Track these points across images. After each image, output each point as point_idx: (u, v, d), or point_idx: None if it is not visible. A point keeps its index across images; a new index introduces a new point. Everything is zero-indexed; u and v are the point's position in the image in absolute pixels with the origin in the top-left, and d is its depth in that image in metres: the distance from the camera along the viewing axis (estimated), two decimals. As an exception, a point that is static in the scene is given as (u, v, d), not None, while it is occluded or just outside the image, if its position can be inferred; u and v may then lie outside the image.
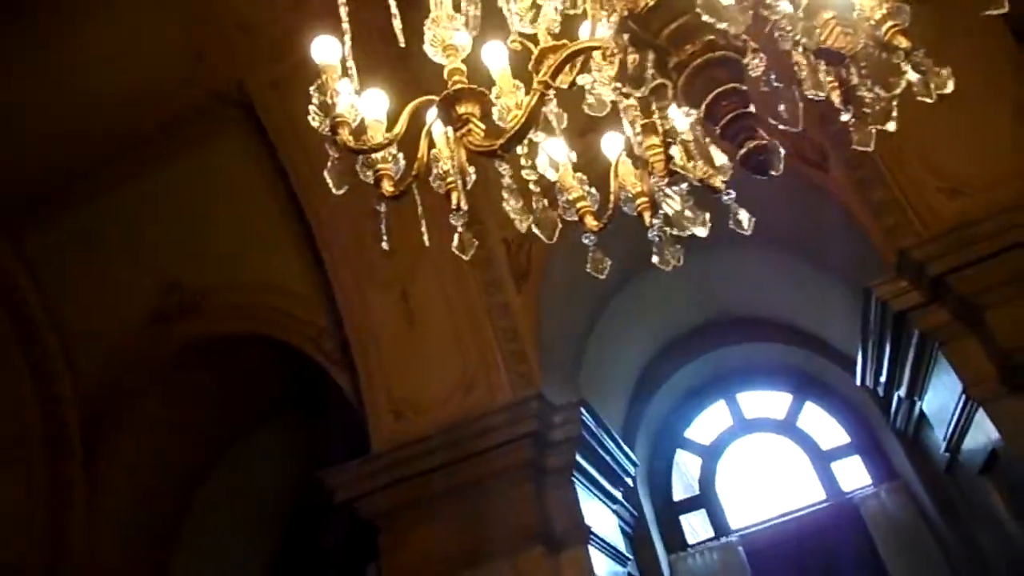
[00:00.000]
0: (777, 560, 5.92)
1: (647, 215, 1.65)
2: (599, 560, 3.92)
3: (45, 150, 5.05)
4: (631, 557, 4.60)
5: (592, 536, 3.90)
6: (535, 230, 1.66)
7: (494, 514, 3.85)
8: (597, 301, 5.08)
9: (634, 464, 4.80)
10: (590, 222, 1.62)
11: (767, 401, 6.72)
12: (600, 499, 4.36)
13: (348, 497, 4.08)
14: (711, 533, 6.34)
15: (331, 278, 4.62)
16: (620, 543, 4.45)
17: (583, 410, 4.01)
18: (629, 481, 4.80)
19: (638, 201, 1.67)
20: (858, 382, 4.69)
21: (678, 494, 6.60)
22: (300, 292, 4.92)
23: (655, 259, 1.71)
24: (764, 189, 1.64)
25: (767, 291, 5.71)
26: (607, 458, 4.41)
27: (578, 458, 4.04)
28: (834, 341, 5.56)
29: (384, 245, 1.62)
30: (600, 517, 4.24)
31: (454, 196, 1.55)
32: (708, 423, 6.76)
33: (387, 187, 1.55)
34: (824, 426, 6.39)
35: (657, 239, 1.64)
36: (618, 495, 4.63)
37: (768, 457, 6.51)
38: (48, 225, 5.33)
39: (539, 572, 3.68)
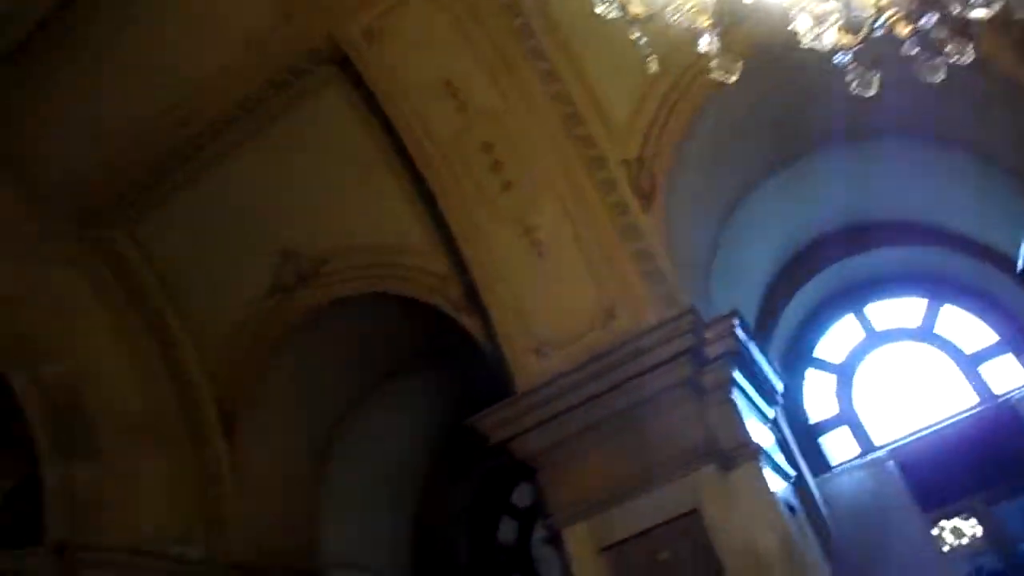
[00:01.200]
0: (931, 471, 5.64)
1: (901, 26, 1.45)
2: (771, 478, 3.75)
3: (147, 136, 5.07)
4: (794, 474, 4.40)
5: (762, 452, 3.72)
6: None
7: (657, 437, 3.72)
8: (721, 214, 4.86)
9: (782, 381, 4.58)
10: (845, 38, 1.43)
11: (898, 310, 6.38)
12: (758, 417, 4.17)
13: (502, 439, 3.99)
14: (854, 452, 6.09)
15: (449, 223, 4.50)
16: (783, 462, 4.26)
17: (736, 322, 3.81)
18: (779, 400, 4.59)
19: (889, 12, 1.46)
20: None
21: (814, 416, 6.36)
22: (418, 243, 4.84)
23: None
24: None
25: (908, 190, 5.39)
26: (760, 375, 4.21)
27: (735, 374, 3.85)
28: (984, 237, 5.23)
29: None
30: (762, 435, 4.05)
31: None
32: (837, 339, 6.48)
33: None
34: (966, 328, 6.03)
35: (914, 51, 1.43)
36: (771, 415, 4.43)
37: (907, 367, 6.17)
38: (160, 211, 5.38)
39: (714, 490, 3.54)
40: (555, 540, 3.97)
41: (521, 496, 7.63)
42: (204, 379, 5.50)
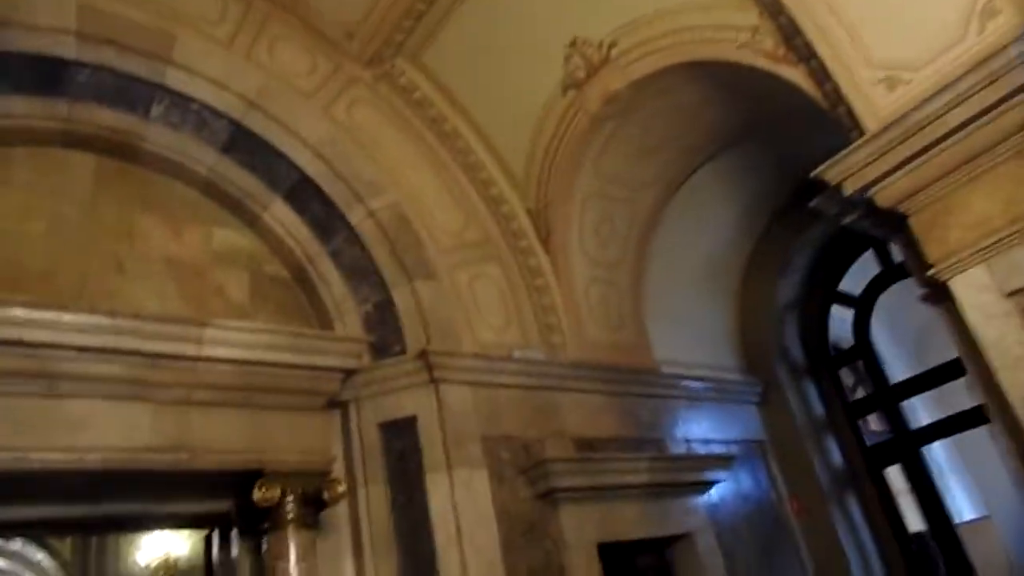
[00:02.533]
0: None
1: None
2: None
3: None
4: None
5: None
6: None
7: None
8: None
9: None
10: None
11: None
12: None
13: (861, 186, 3.46)
14: None
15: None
16: None
17: None
18: None
19: None
20: None
21: None
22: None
23: None
24: None
25: None
26: None
27: None
28: None
29: None
30: None
31: None
32: None
33: None
34: None
35: None
36: None
37: None
38: (439, 33, 5.28)
39: None
40: (937, 295, 3.45)
41: (852, 283, 7.04)
42: (513, 194, 5.53)
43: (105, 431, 3.47)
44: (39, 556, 11.70)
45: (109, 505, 3.74)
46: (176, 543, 11.15)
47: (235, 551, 4.11)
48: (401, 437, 4.51)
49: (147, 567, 11.20)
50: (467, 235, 5.32)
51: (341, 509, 4.31)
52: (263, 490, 3.68)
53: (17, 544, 11.57)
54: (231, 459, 3.72)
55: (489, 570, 4.21)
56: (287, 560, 3.68)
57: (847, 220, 3.82)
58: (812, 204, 3.91)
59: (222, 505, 4.02)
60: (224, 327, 3.81)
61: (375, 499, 4.34)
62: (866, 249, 6.88)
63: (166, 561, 11.09)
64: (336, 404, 4.47)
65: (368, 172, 4.97)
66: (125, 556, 11.67)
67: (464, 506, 4.29)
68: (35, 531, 3.76)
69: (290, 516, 3.76)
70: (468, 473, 4.42)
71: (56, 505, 3.61)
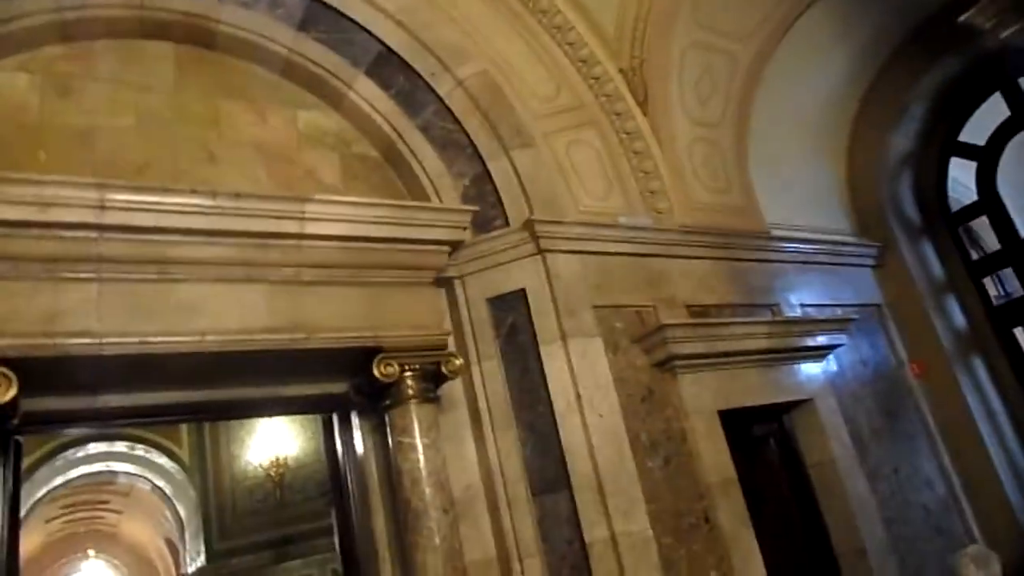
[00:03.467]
0: None
1: None
2: None
3: None
4: None
5: None
6: None
7: None
8: None
9: None
10: None
11: None
12: None
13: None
14: None
15: None
16: None
17: None
18: None
19: None
20: None
21: None
22: None
23: None
24: None
25: None
26: None
27: None
28: None
29: None
30: None
31: None
32: None
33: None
34: None
35: None
36: None
37: None
38: None
39: None
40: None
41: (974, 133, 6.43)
42: (604, 54, 5.15)
43: (221, 314, 3.42)
44: (161, 460, 12.42)
45: (229, 390, 3.74)
46: (286, 443, 11.63)
47: (356, 433, 4.09)
48: (511, 311, 4.37)
49: (259, 466, 11.76)
50: (560, 100, 4.99)
51: (457, 386, 4.24)
52: (382, 366, 3.61)
53: (140, 449, 12.29)
54: (347, 337, 3.64)
55: (611, 436, 4.10)
56: (411, 434, 3.63)
57: (1006, 32, 3.34)
58: (963, 18, 3.44)
59: (339, 387, 3.98)
60: (324, 201, 3.67)
61: (490, 374, 4.25)
62: (992, 92, 6.25)
63: (276, 461, 11.63)
64: (443, 282, 4.33)
65: (452, 39, 4.66)
66: (239, 456, 12.26)
67: (582, 375, 4.16)
68: (159, 417, 3.76)
69: (410, 392, 3.69)
70: (583, 343, 4.26)
71: (178, 391, 3.62)
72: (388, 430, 3.71)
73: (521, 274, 4.39)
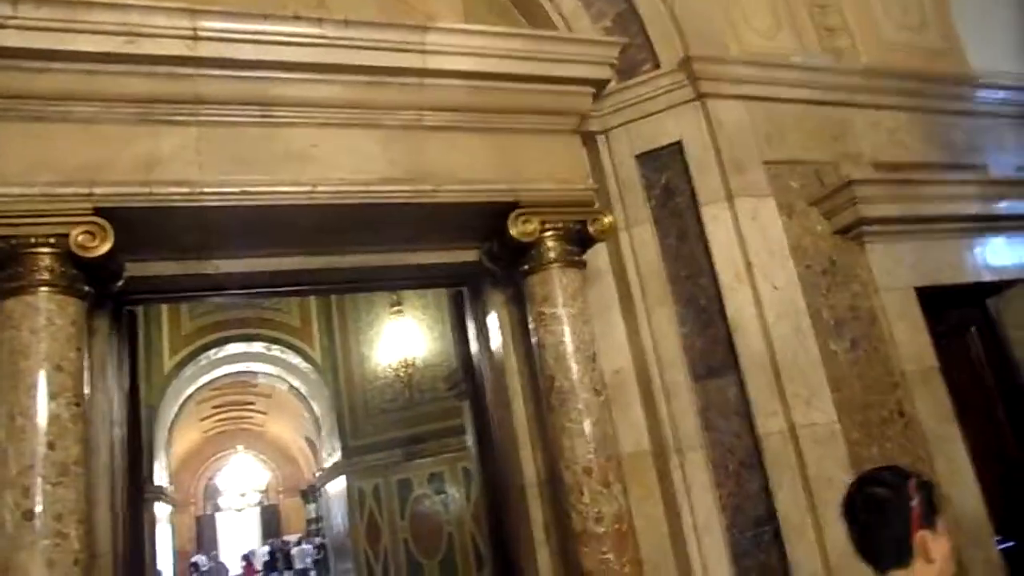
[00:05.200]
0: None
1: None
2: None
3: None
4: None
5: None
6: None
7: None
8: None
9: None
10: None
11: None
12: None
13: None
14: None
15: None
16: None
17: None
18: None
19: None
20: None
21: None
22: None
23: None
24: None
25: None
26: None
27: None
28: None
29: None
30: None
31: None
32: None
33: None
34: None
35: None
36: None
37: None
38: None
39: None
40: None
41: None
42: None
43: (333, 162, 2.95)
44: (296, 360, 12.71)
45: (349, 256, 3.32)
46: (414, 344, 11.57)
47: (490, 307, 3.61)
48: (665, 168, 3.71)
49: (388, 366, 11.79)
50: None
51: (602, 257, 3.67)
52: (520, 224, 3.06)
53: (276, 350, 12.60)
54: (478, 191, 3.10)
55: (789, 312, 3.43)
56: (554, 303, 3.09)
57: None
58: None
59: (470, 254, 3.48)
60: (449, 31, 3.09)
61: (641, 242, 3.63)
62: None
63: (405, 361, 11.60)
64: (585, 138, 3.71)
65: None
66: (369, 356, 12.35)
67: (752, 240, 3.48)
68: (276, 287, 3.40)
69: (552, 255, 3.13)
70: (753, 203, 3.56)
71: (293, 256, 3.23)
72: (527, 301, 3.19)
73: (677, 124, 3.70)
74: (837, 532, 3.12)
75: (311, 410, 14.36)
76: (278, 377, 14.17)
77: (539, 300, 3.11)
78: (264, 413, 21.83)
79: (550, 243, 3.13)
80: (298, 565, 19.60)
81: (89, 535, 2.55)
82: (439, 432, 10.71)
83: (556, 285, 3.10)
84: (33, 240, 2.52)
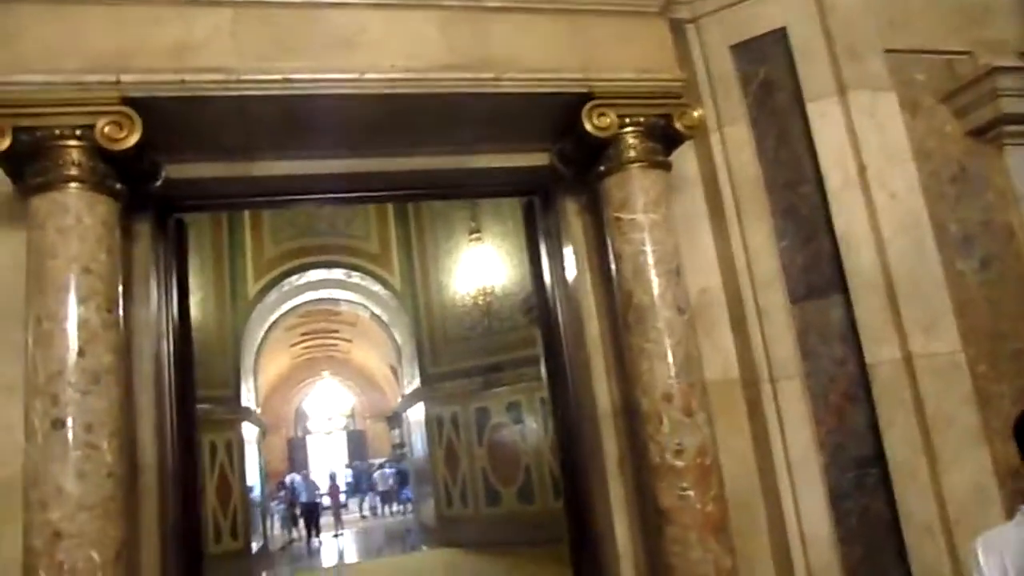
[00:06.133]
0: None
1: None
2: None
3: None
4: None
5: None
6: None
7: None
8: None
9: None
10: None
11: None
12: None
13: None
14: None
15: None
16: None
17: None
18: None
19: None
20: None
21: None
22: None
23: None
24: None
25: None
26: None
27: None
28: None
29: None
30: None
31: None
32: None
33: None
34: None
35: None
36: None
37: None
38: None
39: None
40: None
41: None
42: None
43: (384, 48, 2.62)
44: (376, 287, 12.71)
45: (406, 158, 3.01)
46: (492, 271, 11.36)
47: (562, 217, 3.26)
48: (764, 60, 3.22)
49: (467, 295, 11.64)
50: None
51: (689, 161, 3.25)
52: (595, 117, 2.67)
53: (356, 277, 12.62)
54: (547, 79, 2.71)
55: (908, 224, 2.95)
56: (634, 208, 2.71)
57: None
58: None
59: (540, 157, 3.12)
60: None
61: (735, 143, 3.19)
62: None
63: (483, 290, 11.42)
64: (672, 26, 3.24)
65: None
66: (447, 284, 12.22)
67: (867, 140, 2.99)
68: (327, 193, 3.13)
69: (632, 153, 2.74)
70: (869, 98, 3.05)
71: (344, 158, 2.95)
72: (603, 207, 2.81)
73: (780, 9, 3.19)
74: (959, 479, 2.72)
75: (393, 338, 14.45)
76: (360, 304, 14.26)
77: (616, 205, 2.73)
78: (349, 341, 22.31)
79: (630, 140, 2.73)
80: (380, 488, 20.19)
81: (128, 448, 2.41)
82: (517, 361, 10.55)
83: (636, 187, 2.71)
84: (58, 132, 2.31)
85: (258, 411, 13.41)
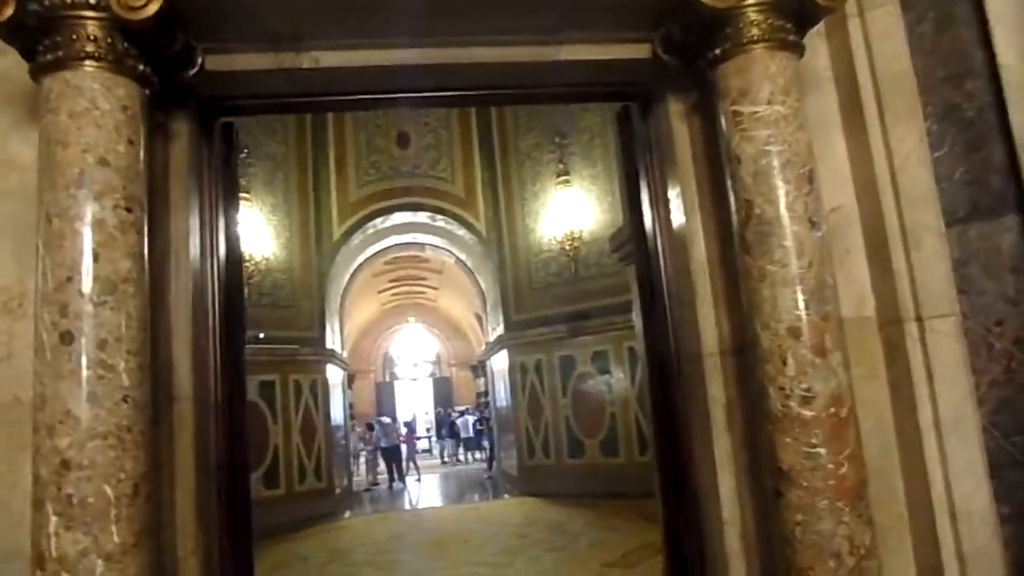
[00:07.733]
0: None
1: None
2: None
3: None
4: None
5: None
6: None
7: None
8: None
9: None
10: None
11: None
12: None
13: None
14: None
15: None
16: None
17: None
18: None
19: None
20: None
21: None
22: None
23: None
24: None
25: None
26: None
27: None
28: None
29: None
30: None
31: None
32: None
33: None
34: None
35: None
36: None
37: None
38: None
39: None
40: None
41: None
42: None
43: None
44: (461, 232, 12.42)
45: (480, 48, 2.55)
46: (580, 215, 10.86)
47: (665, 121, 2.76)
48: (925, -78, 2.59)
49: (553, 239, 11.19)
50: None
51: (820, 57, 2.67)
52: (710, -18, 2.14)
53: (441, 220, 12.35)
54: (650, -62, 2.20)
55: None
56: (755, 99, 2.17)
57: None
58: None
59: (640, 49, 2.60)
60: None
61: (880, 31, 2.58)
62: None
63: (571, 234, 10.94)
64: None
65: None
66: (533, 229, 11.79)
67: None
68: (390, 93, 2.72)
69: (755, 31, 2.19)
70: (1066, -35, 2.40)
71: (407, 47, 2.52)
72: (719, 100, 2.28)
73: None
74: None
75: (477, 283, 14.19)
76: (445, 250, 14.03)
77: (735, 95, 2.20)
78: (436, 288, 22.32)
79: (753, 15, 2.19)
80: (463, 434, 20.28)
81: (156, 372, 2.10)
82: (605, 309, 10.09)
83: (760, 73, 2.17)
84: (71, 1, 1.96)
85: (344, 354, 13.45)
